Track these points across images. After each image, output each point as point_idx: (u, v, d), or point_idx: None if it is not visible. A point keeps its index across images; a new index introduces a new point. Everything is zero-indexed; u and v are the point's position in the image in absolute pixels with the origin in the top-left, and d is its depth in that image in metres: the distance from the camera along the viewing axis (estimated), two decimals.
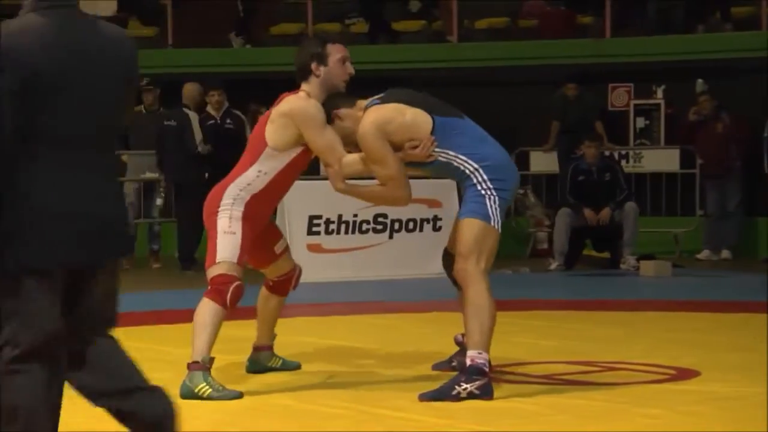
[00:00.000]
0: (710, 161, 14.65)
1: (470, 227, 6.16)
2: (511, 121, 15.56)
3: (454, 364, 6.60)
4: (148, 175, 14.34)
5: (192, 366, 6.16)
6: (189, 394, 6.04)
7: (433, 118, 6.19)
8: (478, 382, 5.93)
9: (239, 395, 6.11)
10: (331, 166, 6.41)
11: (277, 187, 6.61)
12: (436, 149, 6.17)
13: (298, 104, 6.36)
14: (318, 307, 10.44)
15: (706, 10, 15.62)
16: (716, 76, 14.93)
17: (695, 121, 14.70)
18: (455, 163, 6.20)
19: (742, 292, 11.22)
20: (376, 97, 6.35)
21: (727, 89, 14.81)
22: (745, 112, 14.68)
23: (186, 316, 7.71)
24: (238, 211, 6.42)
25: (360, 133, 6.16)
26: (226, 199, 6.48)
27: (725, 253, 14.60)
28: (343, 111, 6.34)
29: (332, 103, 6.38)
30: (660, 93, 15.64)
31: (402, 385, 6.36)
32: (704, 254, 14.64)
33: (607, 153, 14.09)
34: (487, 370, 5.97)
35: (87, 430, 4.91)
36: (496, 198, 6.16)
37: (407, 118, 6.15)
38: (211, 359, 6.20)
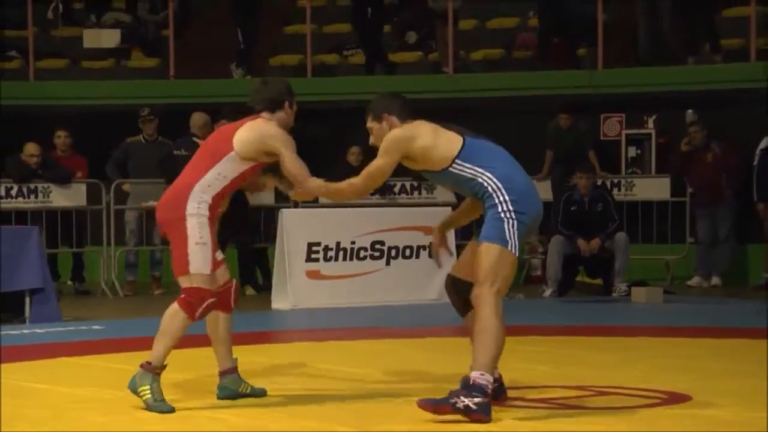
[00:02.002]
0: (701, 190, 14.66)
1: (488, 253, 6.24)
2: (506, 151, 15.57)
3: None
4: (151, 203, 14.32)
5: (146, 366, 6.45)
6: (133, 389, 6.44)
7: (464, 138, 6.40)
8: (477, 399, 5.93)
9: (171, 410, 6.26)
10: (301, 178, 6.82)
11: (226, 192, 6.79)
12: (465, 164, 6.31)
13: (279, 130, 6.84)
14: (316, 332, 10.43)
15: (696, 42, 15.66)
16: (706, 106, 14.95)
17: (686, 151, 14.71)
18: (480, 179, 6.30)
19: (733, 319, 11.21)
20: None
21: (717, 119, 14.83)
22: (734, 141, 14.70)
23: (188, 341, 7.71)
24: (204, 217, 6.60)
25: (391, 133, 6.38)
26: (192, 203, 6.65)
27: (715, 280, 14.59)
28: (393, 119, 6.48)
29: (394, 106, 6.51)
30: (651, 123, 15.65)
31: (398, 409, 6.34)
32: (695, 281, 14.63)
33: (599, 182, 14.10)
34: (488, 391, 5.97)
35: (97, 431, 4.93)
36: (515, 222, 6.22)
37: (430, 140, 6.32)
38: (163, 366, 6.47)
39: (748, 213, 14.44)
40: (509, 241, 6.24)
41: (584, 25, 16.06)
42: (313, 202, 14.74)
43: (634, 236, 14.32)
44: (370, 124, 6.57)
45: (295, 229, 12.46)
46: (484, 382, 5.98)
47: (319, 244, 12.49)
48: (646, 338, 9.71)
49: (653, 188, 15.21)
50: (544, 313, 12.05)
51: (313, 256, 12.47)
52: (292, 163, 6.74)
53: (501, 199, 6.25)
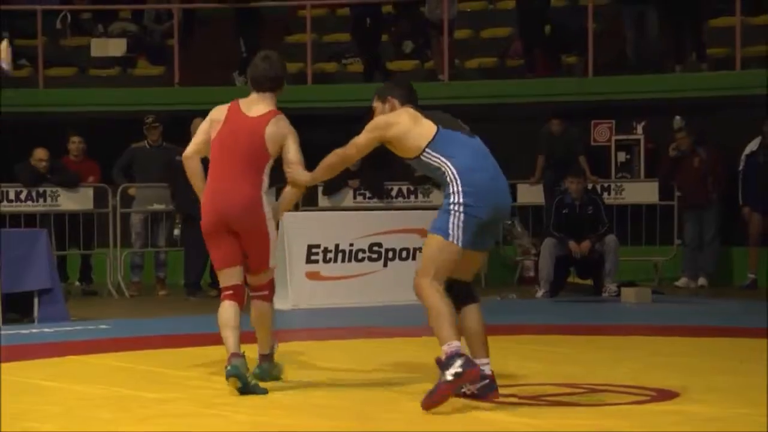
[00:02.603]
0: (688, 194, 14.67)
1: (429, 244, 6.39)
2: (500, 156, 15.50)
3: (463, 390, 6.33)
4: (156, 206, 14.35)
5: (264, 357, 7.17)
6: (263, 377, 7.02)
7: (437, 128, 6.47)
8: (458, 363, 6.04)
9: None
10: (296, 166, 7.03)
11: None
12: (432, 153, 6.43)
13: (287, 122, 7.12)
14: (316, 331, 10.43)
15: (683, 51, 15.68)
16: (693, 113, 14.96)
17: (674, 156, 14.72)
18: (443, 169, 6.40)
19: (720, 318, 11.21)
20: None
21: (703, 126, 14.84)
22: (720, 147, 14.71)
23: (192, 340, 7.73)
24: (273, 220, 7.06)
25: (376, 117, 6.66)
26: (266, 207, 7.00)
27: (702, 281, 14.60)
28: (395, 102, 6.69)
29: (398, 91, 6.74)
30: (640, 129, 15.66)
31: (395, 405, 6.35)
32: (682, 281, 14.64)
33: (590, 186, 14.11)
34: (460, 351, 6.12)
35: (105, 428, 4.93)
36: (462, 215, 6.29)
37: (404, 129, 6.47)
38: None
39: (733, 216, 14.46)
40: (451, 234, 6.28)
41: (571, 35, 16.07)
42: (313, 206, 14.77)
43: (624, 238, 14.33)
44: (375, 103, 6.77)
45: (296, 231, 12.46)
46: (454, 349, 6.11)
47: (318, 246, 12.50)
48: (636, 337, 9.72)
49: (642, 192, 15.22)
50: (536, 313, 12.06)
51: (313, 257, 12.48)
52: (298, 155, 7.03)
53: (455, 190, 6.32)
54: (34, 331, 10.25)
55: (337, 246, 12.56)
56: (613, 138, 15.66)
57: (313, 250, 12.48)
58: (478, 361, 6.30)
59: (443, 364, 6.08)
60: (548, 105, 15.41)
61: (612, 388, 6.79)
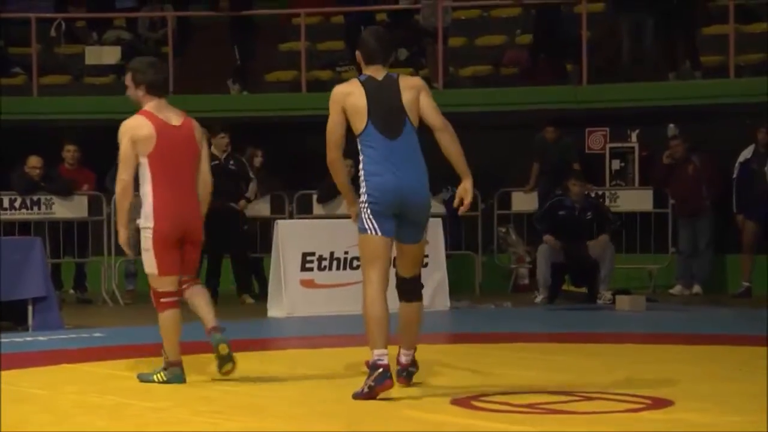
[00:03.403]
0: (682, 201, 14.67)
1: (358, 246, 6.96)
2: (494, 164, 15.59)
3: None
4: None
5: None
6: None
7: (367, 123, 6.84)
8: (374, 375, 6.61)
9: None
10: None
11: None
12: (360, 145, 6.89)
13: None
14: (310, 339, 10.42)
15: (677, 59, 15.69)
16: (687, 120, 14.97)
17: (668, 164, 14.73)
18: (360, 166, 6.88)
19: (714, 325, 11.21)
20: (366, 76, 7.03)
21: (697, 133, 14.85)
22: (714, 155, 14.72)
23: (184, 348, 7.70)
24: None
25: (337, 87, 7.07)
26: None
27: (696, 288, 14.59)
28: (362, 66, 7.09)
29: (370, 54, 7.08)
30: (634, 137, 15.67)
31: (389, 412, 6.33)
32: (677, 289, 14.63)
33: (592, 194, 14.10)
34: (379, 362, 6.63)
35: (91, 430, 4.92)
36: (368, 209, 6.82)
37: (355, 105, 6.86)
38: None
39: (727, 224, 14.46)
40: (367, 227, 6.83)
41: (571, 43, 16.09)
42: (308, 214, 14.76)
43: (618, 246, 14.32)
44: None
45: (290, 239, 12.45)
46: (375, 359, 6.65)
47: (313, 254, 12.48)
48: (630, 345, 9.71)
49: (636, 200, 15.23)
50: (531, 320, 12.05)
51: (308, 265, 12.46)
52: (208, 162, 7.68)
53: (363, 190, 6.86)
54: (28, 339, 10.23)
55: (332, 254, 12.55)
56: (608, 146, 15.67)
57: (308, 258, 12.47)
58: (402, 350, 7.09)
59: (369, 369, 6.72)
60: (542, 113, 15.42)
61: (607, 395, 6.78)
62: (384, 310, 6.76)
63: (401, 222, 6.87)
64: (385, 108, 6.86)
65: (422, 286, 7.16)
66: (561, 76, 16.19)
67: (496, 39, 17.27)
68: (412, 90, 6.94)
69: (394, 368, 6.88)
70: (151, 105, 7.35)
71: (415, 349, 7.17)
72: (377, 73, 6.99)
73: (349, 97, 6.86)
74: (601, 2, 16.87)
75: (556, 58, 16.25)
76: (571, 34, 15.96)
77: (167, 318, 7.29)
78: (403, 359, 7.12)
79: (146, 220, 7.28)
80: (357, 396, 6.63)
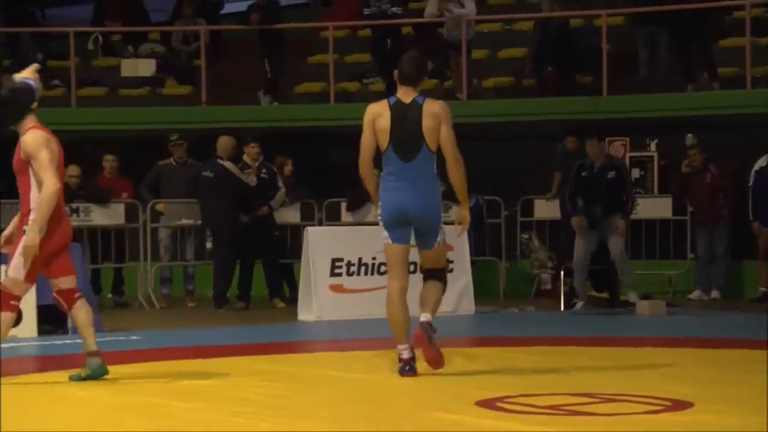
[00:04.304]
0: (700, 209, 14.61)
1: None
2: (516, 172, 15.59)
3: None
4: (184, 221, 14.39)
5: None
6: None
7: (388, 145, 7.55)
8: (399, 366, 7.52)
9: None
10: None
11: None
12: (383, 165, 7.64)
13: None
14: (339, 342, 10.42)
15: (694, 71, 15.64)
16: (705, 130, 14.91)
17: (686, 173, 14.68)
18: (380, 180, 7.67)
19: (732, 330, 11.15)
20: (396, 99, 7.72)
21: (715, 143, 14.79)
22: (731, 164, 14.66)
23: (219, 351, 7.73)
24: None
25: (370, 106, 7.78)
26: None
27: (715, 294, 14.53)
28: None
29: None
30: (653, 146, 15.62)
31: (418, 417, 6.33)
32: (695, 294, 14.56)
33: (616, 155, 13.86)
34: (402, 357, 7.54)
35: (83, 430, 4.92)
36: (381, 221, 7.66)
37: (382, 127, 7.57)
38: None
39: (744, 231, 14.40)
40: (382, 237, 7.66)
41: (586, 55, 16.05)
42: (337, 221, 14.77)
43: (638, 253, 14.27)
44: None
45: (320, 245, 12.47)
46: (399, 352, 7.57)
47: (342, 259, 12.50)
48: (650, 348, 9.68)
49: (656, 207, 15.17)
50: (554, 325, 12.01)
51: (337, 270, 12.48)
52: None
53: (380, 204, 7.71)
54: (67, 341, 10.26)
55: (360, 259, 12.55)
56: (627, 155, 15.61)
57: (337, 264, 12.48)
58: (422, 313, 7.62)
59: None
60: (564, 123, 15.38)
61: (627, 398, 6.76)
62: (401, 313, 7.60)
63: (416, 232, 7.70)
64: (406, 134, 7.54)
65: (446, 275, 7.88)
66: (575, 88, 16.14)
67: (517, 51, 17.24)
68: (434, 118, 7.55)
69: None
70: (33, 118, 7.48)
71: (433, 312, 7.73)
72: (406, 95, 7.63)
73: (378, 119, 7.59)
74: (620, 16, 16.83)
75: (570, 70, 16.20)
76: (590, 47, 15.92)
77: (86, 311, 7.70)
78: (422, 318, 7.68)
79: (42, 229, 7.31)
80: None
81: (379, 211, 7.67)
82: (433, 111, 7.56)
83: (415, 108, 7.56)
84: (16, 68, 17.48)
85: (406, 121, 7.53)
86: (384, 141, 7.54)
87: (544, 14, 16.39)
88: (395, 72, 7.73)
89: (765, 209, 14.12)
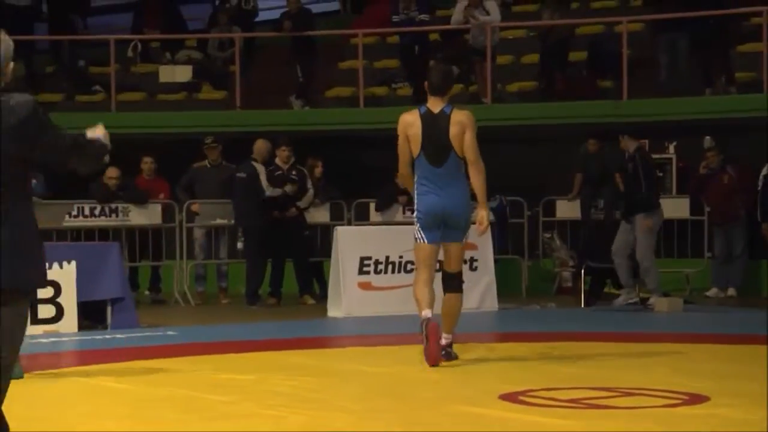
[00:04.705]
0: (717, 209, 14.54)
1: (413, 250, 8.24)
2: (539, 174, 15.55)
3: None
4: (218, 221, 14.43)
5: None
6: None
7: (419, 153, 7.95)
8: (422, 325, 7.81)
9: None
10: None
11: None
12: (416, 170, 8.07)
13: None
14: (367, 338, 10.43)
15: (713, 75, 15.56)
16: (722, 133, 14.83)
17: (704, 174, 14.61)
18: (414, 185, 8.05)
19: (748, 326, 11.08)
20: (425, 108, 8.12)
21: (732, 145, 14.71)
22: (748, 166, 14.57)
23: (251, 346, 7.75)
24: None
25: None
26: None
27: (731, 291, 14.45)
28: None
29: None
30: (672, 148, 15.55)
31: (441, 408, 6.33)
32: (712, 292, 14.49)
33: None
34: (425, 315, 7.82)
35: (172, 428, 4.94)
36: (416, 222, 8.04)
37: (414, 135, 8.00)
38: None
39: (760, 231, 14.31)
40: (417, 237, 8.02)
41: (607, 60, 16.00)
42: (366, 221, 14.77)
43: (656, 251, 14.20)
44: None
45: (349, 244, 12.47)
46: (422, 316, 7.82)
47: (370, 258, 12.50)
48: (668, 344, 9.64)
49: (674, 207, 15.08)
50: (575, 321, 11.97)
51: (365, 269, 12.48)
52: None
53: (414, 207, 8.09)
54: (107, 336, 10.33)
55: (387, 258, 12.55)
56: None
57: (365, 262, 12.48)
58: (443, 334, 7.99)
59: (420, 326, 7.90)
60: (585, 126, 15.34)
61: (645, 392, 6.74)
62: (426, 293, 7.95)
63: (446, 227, 7.99)
64: (435, 142, 7.93)
65: (462, 282, 8.17)
66: (596, 92, 16.11)
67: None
68: (460, 125, 7.94)
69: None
70: None
71: (452, 335, 8.12)
72: (435, 105, 8.03)
73: (411, 128, 8.02)
74: (640, 23, 16.77)
75: (595, 75, 16.18)
76: (612, 52, 15.87)
77: None
78: (444, 341, 8.02)
79: None
80: (427, 352, 7.80)
81: (415, 214, 8.06)
82: (459, 120, 7.94)
83: (444, 117, 7.94)
84: (59, 74, 17.67)
85: (435, 129, 7.92)
86: (416, 148, 7.95)
87: (564, 21, 16.36)
88: (425, 83, 8.11)
89: None
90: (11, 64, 4.20)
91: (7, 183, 4.06)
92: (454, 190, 7.95)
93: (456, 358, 8.07)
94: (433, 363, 7.78)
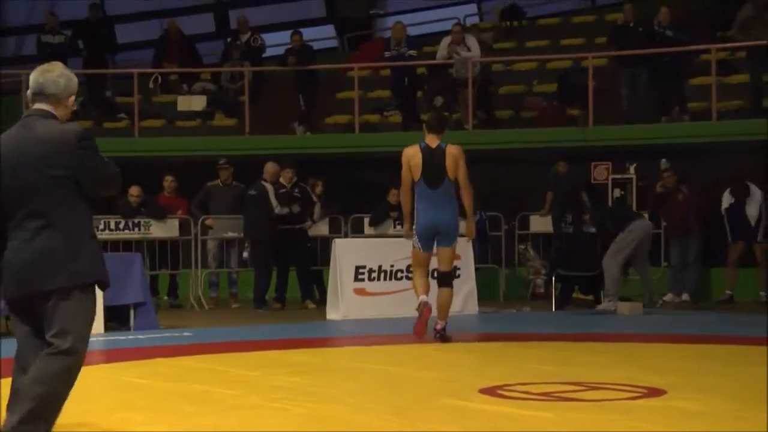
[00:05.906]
0: (673, 224, 14.55)
1: (411, 254, 9.38)
2: (516, 192, 15.56)
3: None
4: (229, 234, 14.41)
5: None
6: None
7: (420, 178, 9.07)
8: (419, 306, 9.11)
9: None
10: None
11: None
12: (416, 192, 9.21)
13: None
14: (363, 338, 10.40)
15: (668, 104, 15.60)
16: (677, 156, 14.85)
17: (661, 192, 14.62)
18: (415, 204, 9.20)
19: (701, 328, 11.09)
20: (425, 144, 9.22)
21: (686, 167, 14.73)
22: (700, 185, 14.59)
23: (259, 345, 7.72)
24: None
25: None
26: None
27: (685, 297, 14.44)
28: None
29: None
30: (632, 169, 15.55)
31: (432, 402, 6.31)
32: (668, 297, 14.48)
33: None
34: (422, 300, 9.10)
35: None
36: (416, 234, 9.22)
37: (415, 164, 9.10)
38: None
39: (712, 242, 14.33)
40: (415, 245, 9.25)
41: (575, 91, 16.04)
42: (361, 234, 14.75)
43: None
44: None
45: (346, 255, 12.45)
46: (419, 302, 9.09)
47: (364, 267, 12.48)
48: (630, 343, 9.62)
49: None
50: (546, 323, 11.96)
51: (360, 276, 12.45)
52: None
53: (414, 222, 9.21)
54: (130, 337, 10.29)
55: (380, 267, 12.53)
56: (610, 177, 15.55)
57: (360, 270, 12.46)
58: (438, 320, 9.15)
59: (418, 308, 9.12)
60: (556, 150, 15.35)
61: (610, 386, 6.73)
62: (422, 282, 9.15)
63: (439, 236, 9.18)
64: (433, 170, 9.06)
65: (453, 278, 9.41)
66: (566, 119, 16.14)
67: (517, 88, 17.23)
68: (453, 158, 9.10)
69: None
70: None
71: (446, 321, 9.18)
72: (432, 141, 9.16)
73: (413, 158, 9.11)
74: (604, 58, 16.80)
75: (564, 104, 16.21)
76: (580, 84, 15.90)
77: None
78: (438, 326, 9.20)
79: None
80: (415, 327, 9.13)
81: (414, 226, 9.19)
82: (452, 153, 9.11)
83: (440, 151, 9.11)
84: (88, 103, 17.65)
85: (432, 161, 9.07)
86: (417, 174, 9.09)
87: (535, 57, 16.37)
88: (424, 124, 9.38)
89: (739, 228, 14.09)
90: (72, 98, 4.18)
91: (54, 202, 4.10)
92: (447, 208, 9.10)
93: (450, 339, 9.10)
94: (418, 336, 9.07)
